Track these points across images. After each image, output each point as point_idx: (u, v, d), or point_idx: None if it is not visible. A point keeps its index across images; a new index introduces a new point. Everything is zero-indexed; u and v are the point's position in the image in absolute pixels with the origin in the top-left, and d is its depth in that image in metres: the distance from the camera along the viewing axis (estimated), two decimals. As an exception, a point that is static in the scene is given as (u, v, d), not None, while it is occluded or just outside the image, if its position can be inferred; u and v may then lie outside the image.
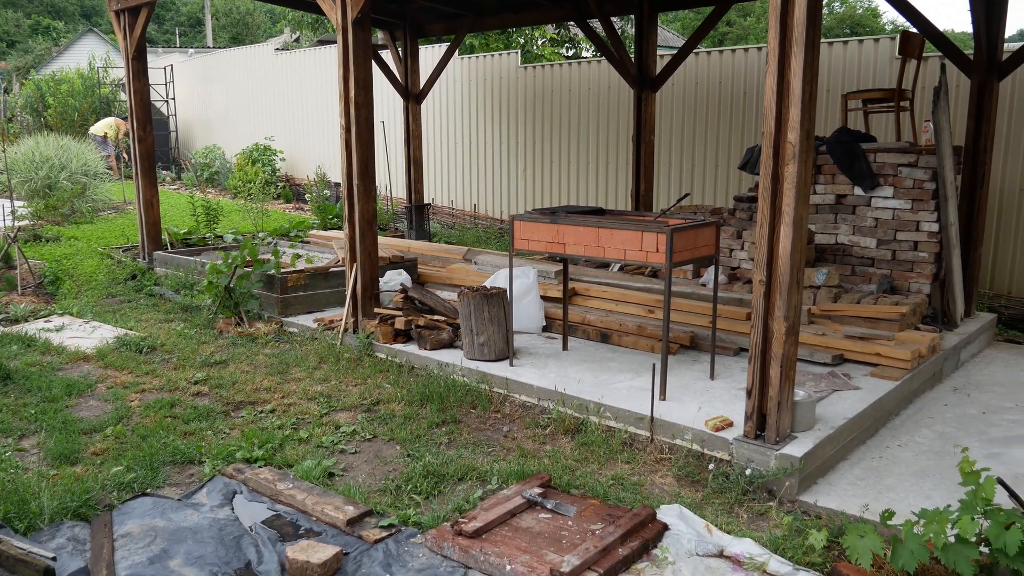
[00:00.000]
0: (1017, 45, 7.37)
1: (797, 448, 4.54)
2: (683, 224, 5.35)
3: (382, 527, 4.21)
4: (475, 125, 13.78)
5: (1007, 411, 5.85)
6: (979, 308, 8.45)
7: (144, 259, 10.42)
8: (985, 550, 3.59)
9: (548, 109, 12.67)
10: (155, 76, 21.45)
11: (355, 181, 6.97)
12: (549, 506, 4.22)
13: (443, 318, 6.96)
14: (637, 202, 9.69)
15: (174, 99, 21.88)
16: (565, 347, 6.62)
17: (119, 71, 22.53)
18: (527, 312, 7.00)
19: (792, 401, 4.68)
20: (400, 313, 6.95)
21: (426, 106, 14.24)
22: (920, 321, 6.99)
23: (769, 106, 4.37)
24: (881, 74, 9.30)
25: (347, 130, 6.95)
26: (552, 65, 12.68)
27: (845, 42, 9.69)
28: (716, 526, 4.17)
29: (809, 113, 4.34)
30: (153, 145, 10.32)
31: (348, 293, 7.17)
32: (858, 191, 7.50)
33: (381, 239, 10.79)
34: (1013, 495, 3.53)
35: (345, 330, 7.21)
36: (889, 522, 3.71)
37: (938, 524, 3.45)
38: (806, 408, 4.77)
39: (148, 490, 4.64)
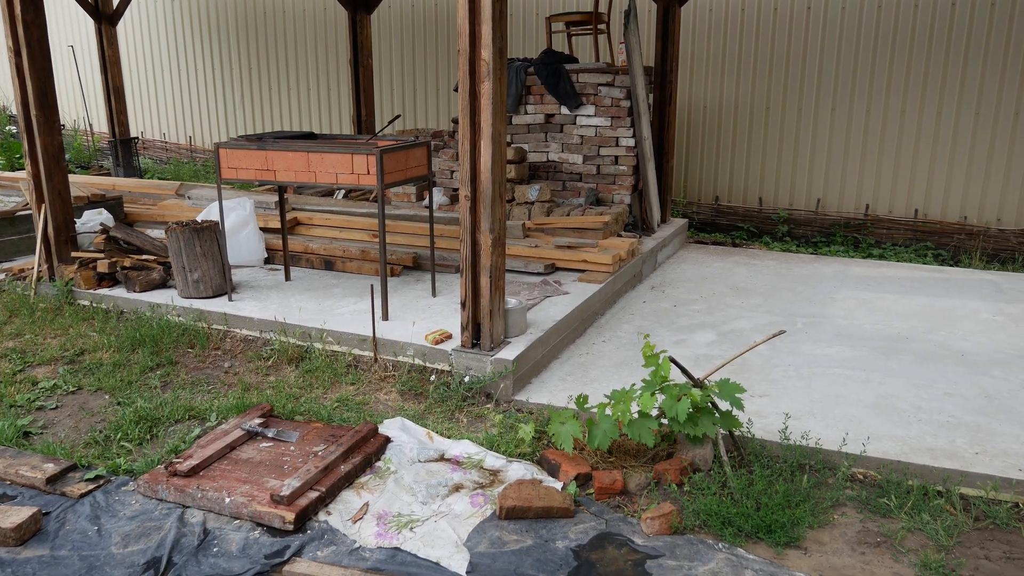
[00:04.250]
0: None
1: (510, 352, 4.83)
2: (393, 145, 5.38)
3: (88, 480, 3.95)
4: (184, 51, 12.75)
5: (693, 303, 6.60)
6: (675, 215, 9.40)
7: None
8: (665, 421, 4.08)
9: (263, 33, 12.01)
10: None
11: (33, 112, 6.21)
12: (270, 435, 4.18)
13: (153, 257, 6.50)
14: (360, 127, 9.57)
15: None
16: (288, 277, 6.47)
17: None
18: (246, 244, 6.73)
19: (504, 309, 4.95)
20: (102, 255, 6.39)
21: (125, 29, 12.93)
22: (623, 229, 7.63)
23: (463, 24, 4.46)
24: (583, -2, 9.80)
25: (17, 53, 6.14)
26: (263, -15, 11.98)
27: (550, -34, 10.06)
28: (437, 433, 4.36)
29: (501, 31, 4.48)
30: None
31: (39, 238, 6.46)
32: (565, 110, 7.94)
33: (83, 178, 9.79)
34: (684, 371, 4.03)
35: (39, 279, 6.51)
36: (585, 406, 4.09)
37: (624, 403, 3.87)
38: (517, 314, 5.07)
39: None
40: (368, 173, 5.20)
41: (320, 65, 11.67)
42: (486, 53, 4.44)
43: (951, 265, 8.15)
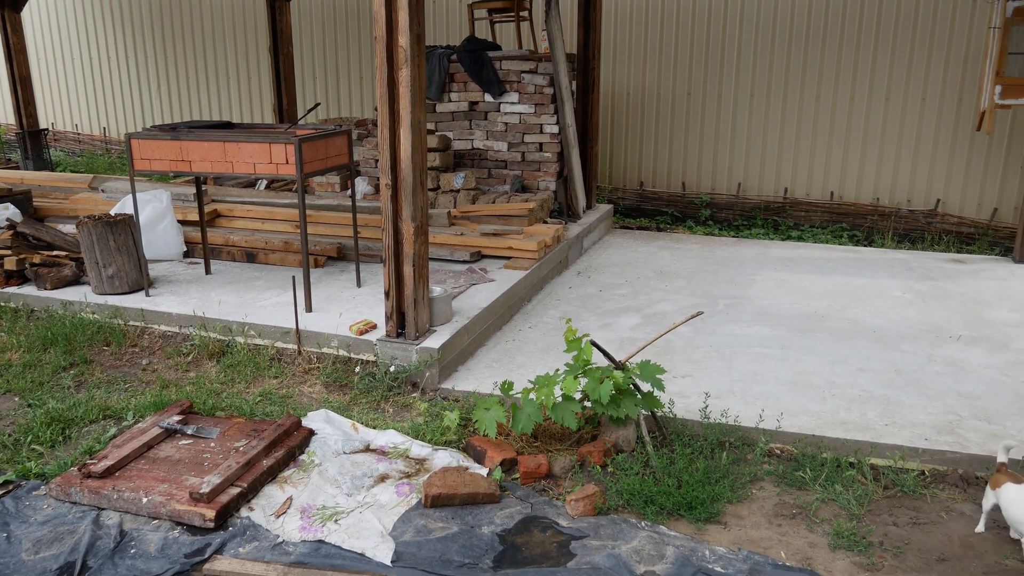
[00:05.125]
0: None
1: (435, 340, 4.82)
2: (312, 134, 5.29)
3: (-4, 486, 3.80)
4: (96, 38, 12.29)
5: (619, 287, 6.69)
6: (600, 200, 9.49)
7: None
8: (589, 404, 4.13)
9: (179, 20, 11.65)
10: None
11: (-71, 102, 5.91)
12: (190, 432, 4.08)
13: (64, 253, 6.27)
14: (281, 116, 9.39)
15: None
16: (208, 271, 6.32)
17: None
18: (163, 238, 6.55)
19: (428, 297, 4.93)
20: (9, 252, 6.13)
21: (31, 15, 12.40)
22: (548, 215, 7.67)
23: (379, 10, 4.41)
24: (506, -15, 9.78)
25: (-91, 41, 5.84)
26: (177, -29, 11.62)
27: (472, -47, 10.01)
28: (363, 423, 4.33)
29: (418, 17, 4.45)
30: None
31: (-60, 235, 6.17)
32: (488, 97, 7.93)
33: (-13, 172, 9.36)
34: (606, 354, 4.08)
35: (-58, 278, 6.21)
36: (511, 392, 4.11)
37: (548, 388, 3.89)
38: (442, 303, 5.06)
39: None
40: (287, 162, 5.11)
41: (239, 53, 11.40)
42: (403, 40, 4.40)
43: (865, 245, 8.44)
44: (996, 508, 3.41)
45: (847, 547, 3.38)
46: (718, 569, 3.22)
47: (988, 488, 3.44)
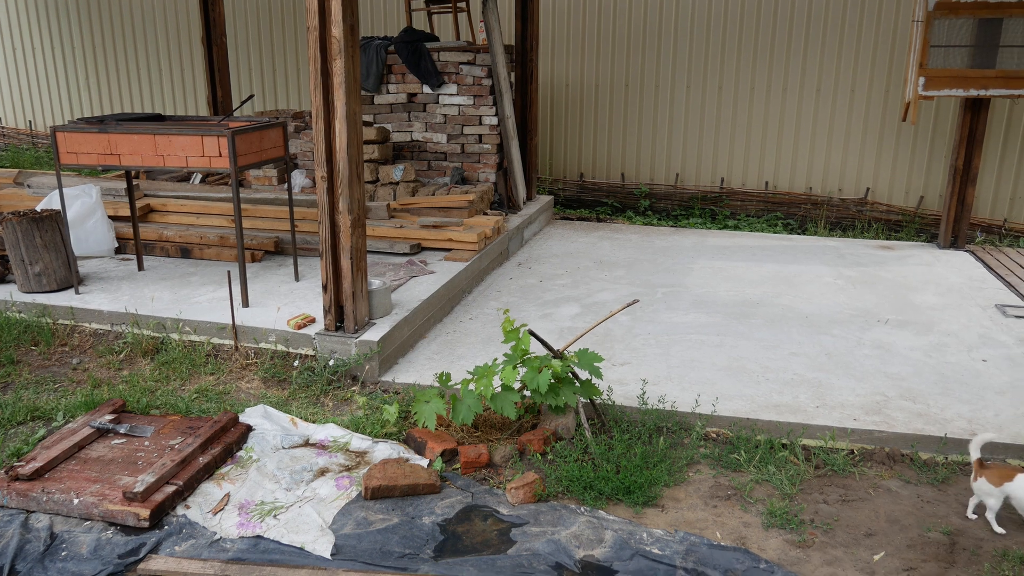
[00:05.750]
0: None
1: (375, 333, 4.79)
2: (246, 126, 5.20)
3: (-83, 491, 3.66)
4: (20, 27, 11.86)
5: (559, 277, 6.74)
6: (540, 192, 9.54)
7: None
8: (528, 393, 4.16)
9: (108, 9, 11.32)
10: None
11: None
12: (122, 431, 4.00)
13: (-12, 250, 6.06)
14: (216, 108, 9.19)
15: None
16: (141, 267, 6.18)
17: None
18: (94, 234, 6.37)
19: (367, 290, 4.90)
20: (-71, 250, 5.91)
21: (-52, 5, 11.91)
22: (489, 207, 7.69)
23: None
24: (443, -24, 9.73)
25: None
26: (104, -41, 11.28)
27: (408, -56, 9.93)
28: (302, 418, 4.29)
29: (351, 7, 4.40)
30: None
31: None
32: (427, 89, 7.90)
33: (-96, 167, 8.98)
34: (544, 343, 4.11)
35: None
36: (450, 383, 4.12)
37: (487, 378, 3.91)
38: (381, 295, 5.04)
39: None
40: (220, 155, 5.02)
41: (171, 43, 11.13)
42: (336, 30, 4.35)
43: (799, 233, 8.65)
44: (985, 502, 3.49)
45: (780, 525, 3.48)
46: (655, 551, 3.29)
47: (984, 484, 3.45)
